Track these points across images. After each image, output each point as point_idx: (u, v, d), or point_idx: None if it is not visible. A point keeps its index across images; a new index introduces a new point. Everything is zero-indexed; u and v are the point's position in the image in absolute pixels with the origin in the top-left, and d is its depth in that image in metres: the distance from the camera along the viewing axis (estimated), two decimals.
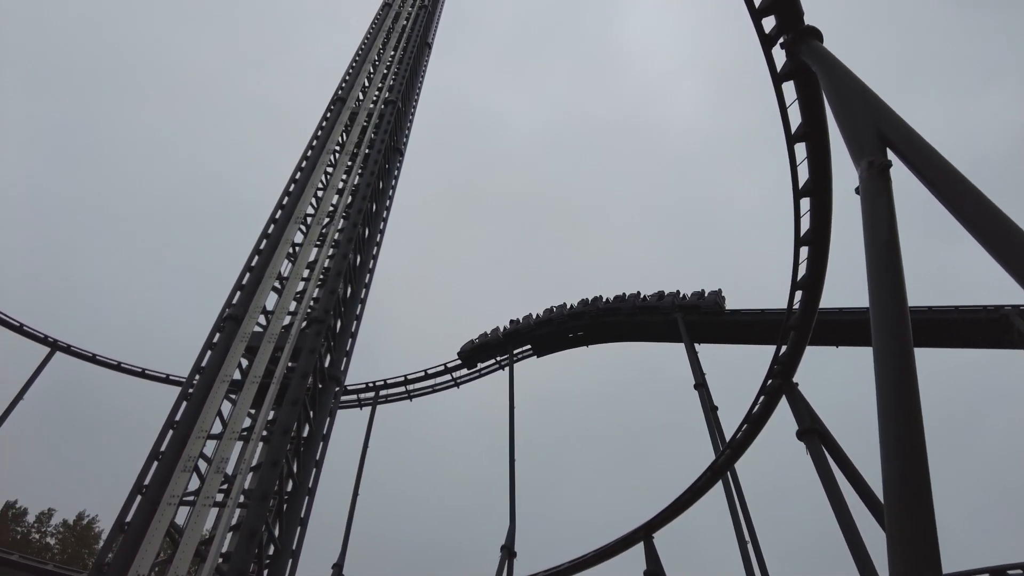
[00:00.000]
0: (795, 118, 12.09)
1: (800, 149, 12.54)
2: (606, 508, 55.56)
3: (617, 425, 70.49)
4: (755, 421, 17.62)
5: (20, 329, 29.86)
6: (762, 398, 17.45)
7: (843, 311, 25.19)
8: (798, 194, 13.25)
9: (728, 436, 19.60)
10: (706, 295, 28.54)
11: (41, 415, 30.97)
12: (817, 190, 12.78)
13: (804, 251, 14.28)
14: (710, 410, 23.31)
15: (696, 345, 26.69)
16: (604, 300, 31.33)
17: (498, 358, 33.63)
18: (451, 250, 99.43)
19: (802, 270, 14.69)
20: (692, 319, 27.89)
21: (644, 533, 19.09)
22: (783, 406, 16.82)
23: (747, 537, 19.00)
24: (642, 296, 30.52)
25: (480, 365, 34.05)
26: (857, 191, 7.62)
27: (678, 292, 29.35)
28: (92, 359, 31.44)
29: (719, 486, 19.29)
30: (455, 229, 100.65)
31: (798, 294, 15.27)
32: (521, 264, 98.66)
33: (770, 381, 17.19)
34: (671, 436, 61.28)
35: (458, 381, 34.34)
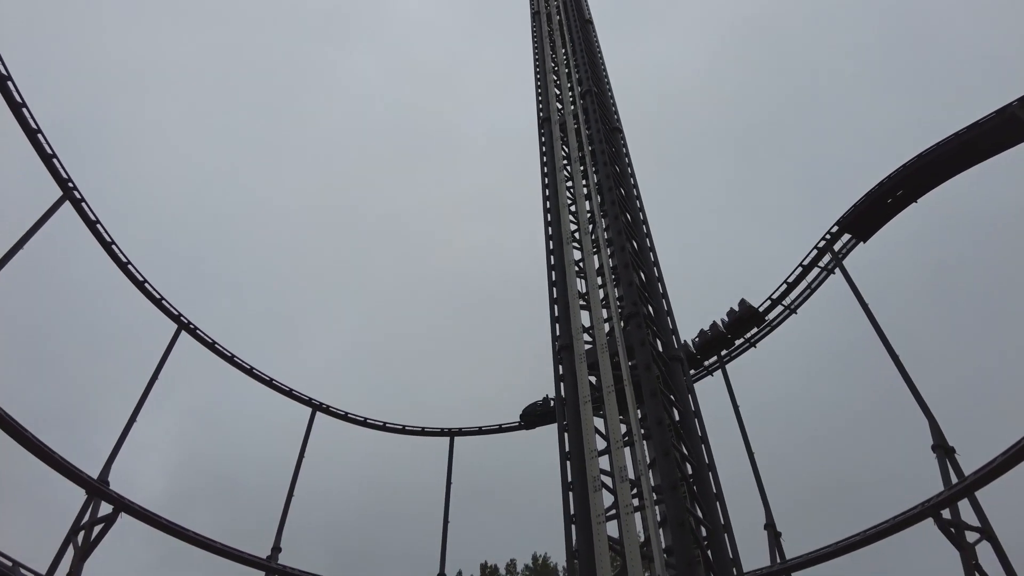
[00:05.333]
0: None
1: None
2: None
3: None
4: None
5: (420, 431, 36.09)
6: None
7: None
8: None
9: None
10: None
11: (464, 490, 36.16)
12: None
13: None
14: None
15: None
16: None
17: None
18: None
19: None
20: None
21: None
22: None
23: None
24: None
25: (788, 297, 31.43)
26: None
27: None
28: (478, 432, 36.39)
29: None
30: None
31: None
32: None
33: None
34: None
35: (792, 307, 31.95)
